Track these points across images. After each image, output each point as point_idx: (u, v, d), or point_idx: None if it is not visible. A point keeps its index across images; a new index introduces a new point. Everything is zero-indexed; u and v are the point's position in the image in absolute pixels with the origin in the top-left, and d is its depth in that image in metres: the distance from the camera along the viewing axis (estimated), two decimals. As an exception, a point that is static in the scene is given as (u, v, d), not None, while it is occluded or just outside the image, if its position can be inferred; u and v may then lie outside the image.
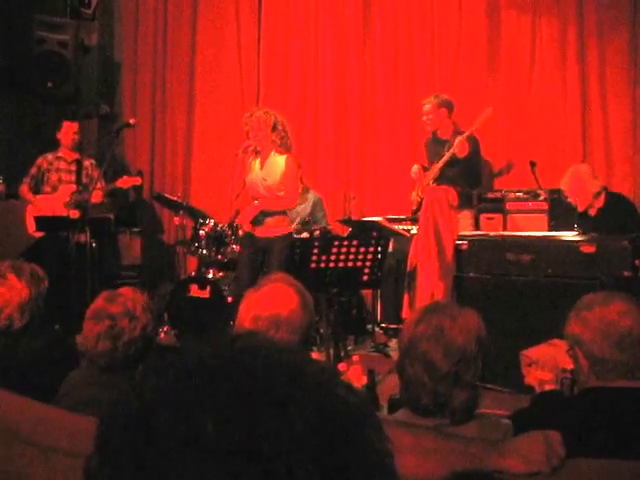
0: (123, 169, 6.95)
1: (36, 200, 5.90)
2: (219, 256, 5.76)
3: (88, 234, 5.22)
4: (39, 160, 5.99)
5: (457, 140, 5.46)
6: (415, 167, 5.90)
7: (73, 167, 5.96)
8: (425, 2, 6.63)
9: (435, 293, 5.05)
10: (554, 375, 2.40)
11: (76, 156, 6.02)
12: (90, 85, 7.07)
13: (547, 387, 2.39)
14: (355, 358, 2.13)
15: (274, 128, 4.76)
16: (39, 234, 5.74)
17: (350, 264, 4.36)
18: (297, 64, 7.03)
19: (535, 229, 5.30)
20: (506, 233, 5.35)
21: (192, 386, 0.60)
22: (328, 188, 6.73)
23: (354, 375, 1.96)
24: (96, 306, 2.23)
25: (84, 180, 5.86)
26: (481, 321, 1.80)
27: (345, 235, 5.83)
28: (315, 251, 4.30)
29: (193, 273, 6.08)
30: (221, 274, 5.80)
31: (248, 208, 4.88)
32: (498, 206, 5.78)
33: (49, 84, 6.44)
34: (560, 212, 5.48)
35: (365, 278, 4.48)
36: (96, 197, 5.64)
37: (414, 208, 5.78)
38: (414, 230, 5.67)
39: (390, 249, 5.03)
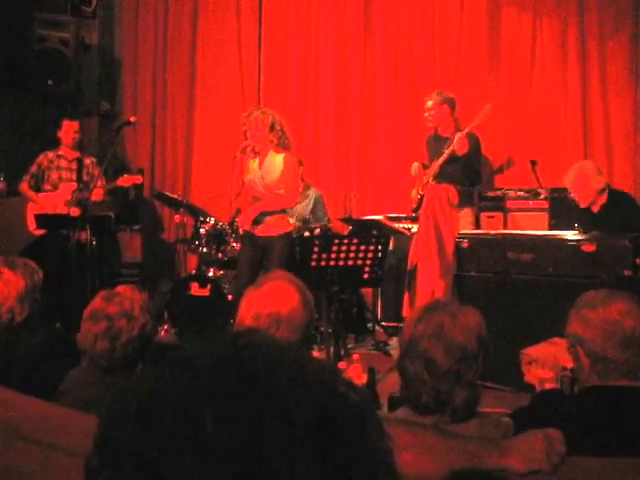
0: (123, 167, 6.95)
1: (37, 198, 5.90)
2: (219, 254, 5.76)
3: (88, 232, 5.22)
4: (40, 158, 5.99)
5: (457, 137, 5.45)
6: (415, 165, 5.89)
7: (74, 165, 5.96)
8: (426, 1, 6.62)
9: (435, 291, 5.06)
10: (554, 373, 2.41)
11: (77, 154, 6.02)
12: (91, 83, 7.08)
13: (547, 385, 2.39)
14: (355, 356, 2.13)
15: (272, 128, 4.76)
16: (40, 232, 5.74)
17: (351, 262, 4.36)
18: (298, 63, 7.03)
19: (536, 228, 5.30)
20: (507, 232, 5.35)
21: (192, 385, 0.60)
22: (329, 187, 6.73)
23: (354, 373, 1.96)
24: (94, 306, 2.22)
25: (85, 178, 5.86)
26: (482, 319, 1.80)
27: (346, 233, 5.84)
28: (316, 249, 4.30)
29: (193, 271, 6.07)
30: (221, 272, 5.80)
31: (249, 209, 4.87)
32: (499, 204, 5.79)
33: (50, 82, 6.44)
34: (561, 211, 5.48)
35: (365, 276, 4.49)
36: (97, 195, 5.64)
37: (414, 206, 5.77)
38: (414, 229, 5.68)
39: (390, 247, 5.03)
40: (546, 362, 2.46)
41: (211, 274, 5.74)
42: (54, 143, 6.08)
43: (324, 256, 4.29)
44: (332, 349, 4.36)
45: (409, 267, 5.47)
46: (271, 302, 2.02)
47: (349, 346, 5.25)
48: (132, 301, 2.22)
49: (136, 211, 7.16)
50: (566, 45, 6.23)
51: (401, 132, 6.66)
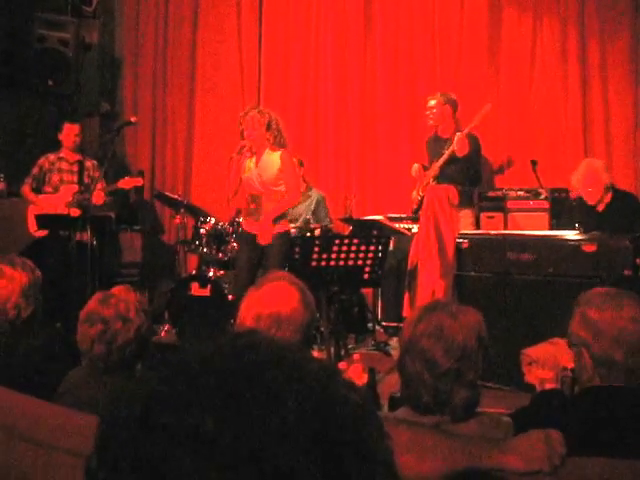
0: (124, 169, 6.95)
1: (38, 200, 5.89)
2: (220, 254, 5.76)
3: (89, 232, 5.22)
4: (41, 160, 5.98)
5: (457, 137, 5.45)
6: (415, 166, 5.90)
7: (75, 168, 5.96)
8: (426, 1, 6.62)
9: (436, 292, 5.07)
10: (555, 374, 2.40)
11: (78, 157, 6.01)
12: (91, 83, 7.06)
13: (547, 386, 2.39)
14: (356, 356, 2.13)
15: (268, 127, 4.76)
16: (41, 234, 5.73)
17: (351, 263, 4.36)
18: (298, 63, 7.03)
19: (536, 228, 5.30)
20: (507, 232, 5.35)
21: (192, 385, 0.60)
22: (329, 187, 6.73)
23: (355, 373, 1.96)
24: (89, 309, 2.21)
25: (86, 181, 5.86)
26: (482, 319, 1.80)
27: (346, 234, 5.84)
28: (316, 249, 4.30)
29: (194, 271, 6.07)
30: (222, 272, 5.80)
31: (262, 224, 4.76)
32: (499, 205, 5.78)
33: (50, 82, 6.43)
34: (561, 211, 5.48)
35: (366, 277, 4.49)
36: (98, 199, 5.63)
37: (415, 207, 5.78)
38: (415, 229, 5.68)
39: (391, 248, 5.04)
40: (546, 362, 2.46)
41: (211, 274, 5.74)
42: (54, 143, 6.07)
43: (324, 256, 4.30)
44: (332, 349, 4.36)
45: (409, 267, 5.47)
46: (272, 303, 2.02)
47: (349, 346, 5.24)
48: (127, 303, 2.21)
49: (136, 211, 7.17)
50: (566, 45, 6.23)
51: (401, 132, 6.66)
